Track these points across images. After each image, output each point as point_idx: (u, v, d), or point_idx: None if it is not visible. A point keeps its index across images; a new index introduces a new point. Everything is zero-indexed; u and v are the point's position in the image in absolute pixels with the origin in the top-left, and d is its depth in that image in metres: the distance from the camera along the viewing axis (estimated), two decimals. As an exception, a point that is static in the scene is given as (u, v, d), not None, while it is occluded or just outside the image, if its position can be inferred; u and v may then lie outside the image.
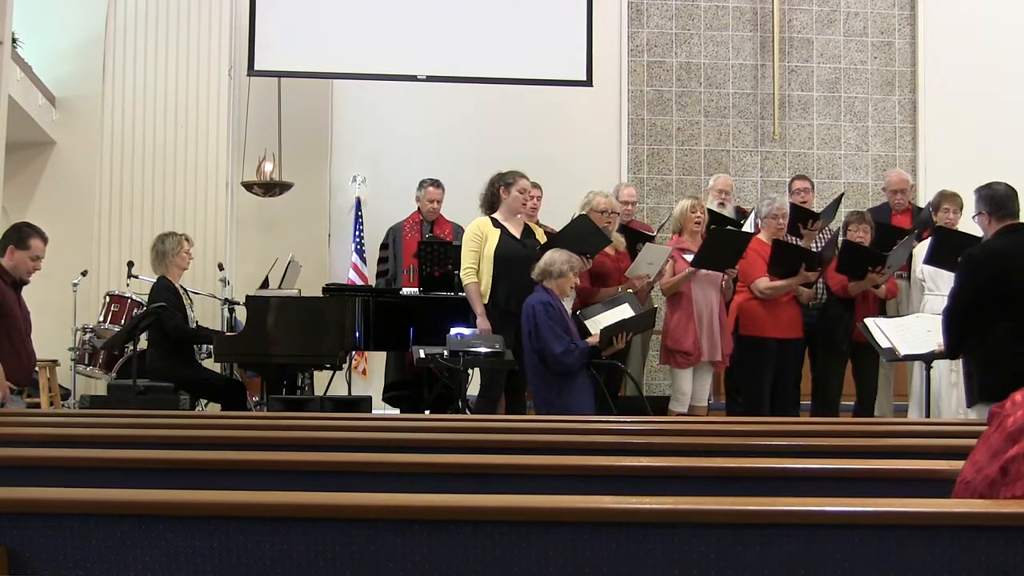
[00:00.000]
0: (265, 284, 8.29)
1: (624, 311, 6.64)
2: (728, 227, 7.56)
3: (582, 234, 6.85)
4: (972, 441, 2.27)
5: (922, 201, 8.86)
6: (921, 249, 7.35)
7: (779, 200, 7.55)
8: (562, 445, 3.36)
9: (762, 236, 7.30)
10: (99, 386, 8.42)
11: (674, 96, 10.74)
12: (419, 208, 8.32)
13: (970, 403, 5.56)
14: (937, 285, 7.24)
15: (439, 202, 8.26)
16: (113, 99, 9.41)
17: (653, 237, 7.86)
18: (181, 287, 7.43)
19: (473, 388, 6.87)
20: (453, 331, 6.39)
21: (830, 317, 7.42)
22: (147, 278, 7.77)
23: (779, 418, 6.20)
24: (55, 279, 8.14)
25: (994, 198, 5.43)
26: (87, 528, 2.11)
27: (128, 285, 8.23)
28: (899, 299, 7.72)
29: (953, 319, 5.50)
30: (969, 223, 7.26)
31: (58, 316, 8.46)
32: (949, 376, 7.05)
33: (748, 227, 7.74)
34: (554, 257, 6.37)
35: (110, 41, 9.47)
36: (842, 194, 9.04)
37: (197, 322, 7.65)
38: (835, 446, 3.41)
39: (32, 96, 9.27)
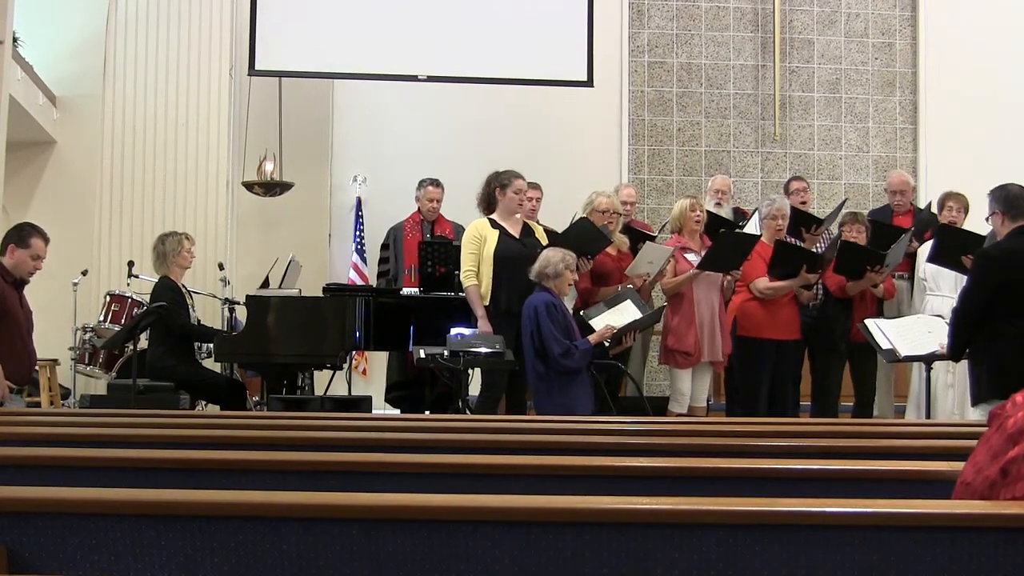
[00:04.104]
0: (265, 284, 8.30)
1: (627, 308, 6.65)
2: (735, 230, 7.56)
3: (583, 236, 6.86)
4: (972, 442, 2.27)
5: (922, 202, 8.87)
6: (924, 250, 7.35)
7: (779, 201, 7.55)
8: (562, 445, 3.37)
9: (762, 237, 7.30)
10: (99, 386, 8.43)
11: (675, 97, 10.74)
12: (419, 208, 8.32)
13: (975, 402, 5.57)
14: (938, 285, 7.25)
15: (439, 201, 8.26)
16: (114, 98, 9.43)
17: (655, 237, 7.86)
18: (183, 286, 7.43)
19: (474, 388, 6.87)
20: (454, 331, 6.39)
21: (828, 317, 7.42)
22: (147, 278, 7.77)
23: (778, 419, 6.20)
24: (56, 278, 8.15)
25: (1008, 198, 5.46)
26: (87, 527, 2.11)
27: (128, 284, 8.23)
28: (898, 299, 7.72)
29: (963, 319, 5.51)
30: (973, 223, 7.28)
31: (58, 315, 8.46)
32: (946, 378, 7.07)
33: (753, 228, 7.73)
34: (549, 257, 6.37)
35: (111, 40, 9.48)
36: (846, 199, 9.05)
37: (199, 320, 7.66)
38: (834, 447, 3.40)
39: (33, 95, 9.26)
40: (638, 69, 10.72)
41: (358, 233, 10.05)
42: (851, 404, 7.62)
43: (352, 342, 7.25)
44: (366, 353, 9.53)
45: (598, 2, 9.74)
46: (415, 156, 9.90)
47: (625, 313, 6.64)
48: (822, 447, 3.38)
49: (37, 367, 7.40)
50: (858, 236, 7.39)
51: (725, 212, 8.21)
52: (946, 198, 7.65)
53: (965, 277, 6.86)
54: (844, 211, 7.98)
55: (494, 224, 6.88)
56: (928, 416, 6.60)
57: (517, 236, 6.90)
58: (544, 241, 6.90)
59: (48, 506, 2.13)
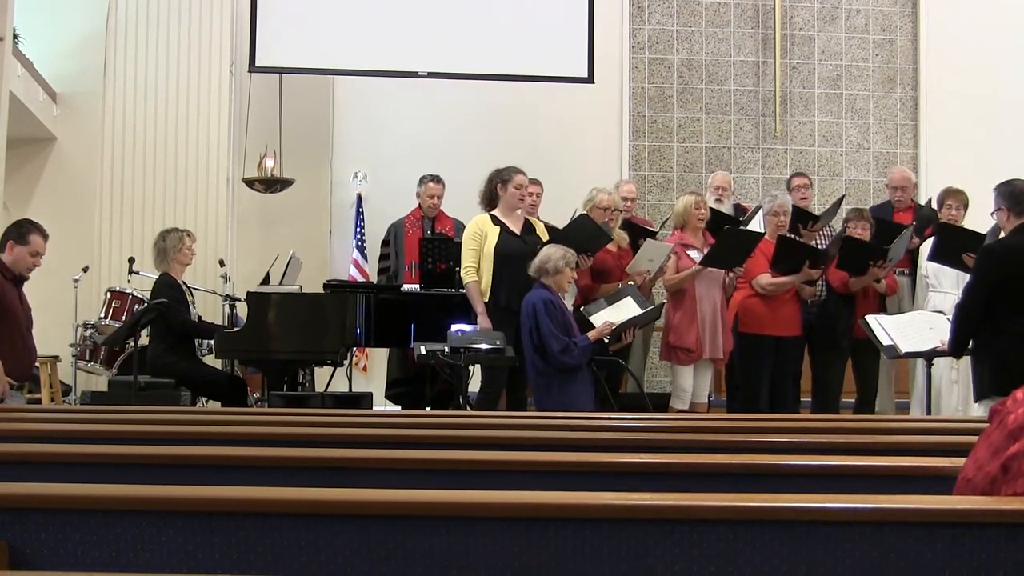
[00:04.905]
0: (266, 280, 8.30)
1: (628, 305, 6.66)
2: (739, 227, 7.55)
3: (583, 233, 6.85)
4: (973, 438, 2.27)
5: (923, 198, 8.86)
6: (925, 247, 7.35)
7: (781, 197, 7.55)
8: (563, 441, 3.36)
9: (765, 233, 7.30)
10: (100, 382, 8.43)
11: (675, 93, 10.73)
12: (420, 204, 8.32)
13: (978, 397, 5.57)
14: (940, 282, 7.25)
15: (439, 198, 8.26)
16: (114, 95, 9.42)
17: (655, 233, 7.86)
18: (183, 283, 7.44)
19: (474, 385, 6.87)
20: (454, 328, 6.39)
21: (830, 313, 7.42)
22: (148, 274, 7.78)
23: (779, 415, 6.20)
24: (56, 275, 8.15)
25: (1013, 194, 5.47)
26: (88, 523, 2.11)
27: (129, 281, 8.24)
28: (899, 296, 7.72)
29: (966, 314, 5.50)
30: (973, 220, 7.28)
31: (59, 312, 8.46)
32: (950, 374, 7.06)
33: (756, 225, 7.72)
34: (549, 253, 6.37)
35: (111, 37, 9.48)
36: (843, 196, 9.04)
37: (200, 317, 7.66)
38: (835, 443, 3.40)
39: (33, 92, 9.26)
40: (639, 65, 10.72)
41: (359, 230, 10.05)
42: (851, 401, 7.62)
43: (353, 338, 7.25)
44: (367, 349, 9.53)
45: (599, -2, 9.74)
46: (415, 153, 9.90)
47: (625, 309, 6.64)
48: (823, 443, 3.38)
49: (38, 364, 7.41)
50: (863, 233, 7.38)
51: (726, 208, 8.21)
52: (945, 196, 7.64)
53: (966, 273, 6.88)
54: (843, 207, 7.97)
55: (495, 220, 6.88)
56: (930, 412, 6.59)
57: (518, 233, 6.90)
58: (545, 238, 6.90)
59: (49, 502, 2.13)
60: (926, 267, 7.34)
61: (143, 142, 9.38)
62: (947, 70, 10.64)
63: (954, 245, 6.85)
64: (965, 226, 7.29)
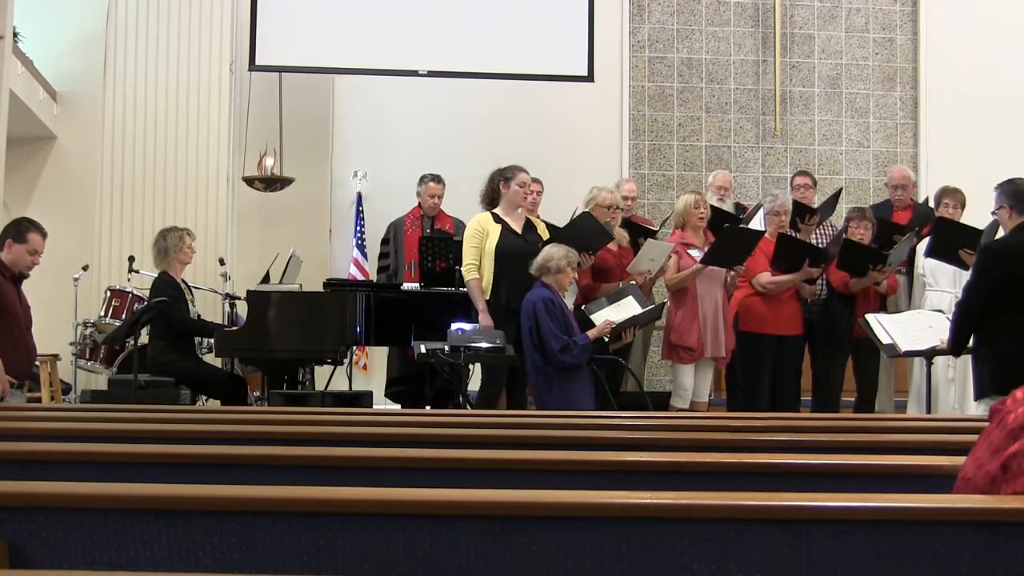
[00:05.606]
0: (266, 279, 8.29)
1: (629, 304, 6.65)
2: (741, 226, 7.56)
3: (584, 232, 6.85)
4: (973, 437, 2.27)
5: (923, 197, 8.85)
6: (923, 246, 7.35)
7: (781, 197, 7.56)
8: (563, 440, 3.36)
9: (765, 232, 7.30)
10: (100, 381, 8.44)
11: (675, 92, 10.73)
12: (420, 203, 8.32)
13: (978, 396, 5.57)
14: (937, 280, 7.25)
15: (440, 197, 8.27)
16: (114, 94, 9.42)
17: (655, 232, 7.86)
18: (183, 281, 7.44)
19: (474, 384, 6.87)
20: (454, 326, 6.39)
21: (831, 313, 7.42)
22: (148, 272, 7.78)
23: (780, 414, 6.20)
24: (56, 273, 8.16)
25: (1016, 192, 5.46)
26: (88, 522, 2.11)
27: (129, 280, 8.25)
28: (899, 295, 7.72)
29: (966, 313, 5.50)
30: (972, 219, 7.27)
31: (59, 310, 8.46)
32: (947, 372, 7.06)
33: (757, 224, 7.72)
34: (552, 252, 6.37)
35: (111, 36, 9.48)
36: (840, 189, 9.04)
37: (199, 315, 7.66)
38: (836, 442, 3.40)
39: (33, 91, 9.26)
40: (639, 64, 10.72)
41: (359, 228, 10.05)
42: (851, 400, 7.62)
43: (352, 337, 7.25)
44: (366, 348, 9.53)
45: (598, -3, 9.74)
46: (416, 151, 9.90)
47: (626, 308, 6.64)
48: (823, 442, 3.38)
49: (38, 362, 7.40)
50: (864, 233, 7.38)
51: (727, 207, 8.21)
52: (942, 195, 7.62)
53: (963, 271, 6.89)
54: (843, 204, 7.96)
55: (496, 219, 6.88)
56: (929, 410, 6.60)
57: (519, 231, 6.90)
58: (546, 237, 6.90)
59: (49, 501, 2.13)
60: (923, 265, 7.34)
61: (143, 141, 9.38)
62: (947, 69, 10.64)
63: (951, 241, 6.85)
64: (963, 222, 7.28)
